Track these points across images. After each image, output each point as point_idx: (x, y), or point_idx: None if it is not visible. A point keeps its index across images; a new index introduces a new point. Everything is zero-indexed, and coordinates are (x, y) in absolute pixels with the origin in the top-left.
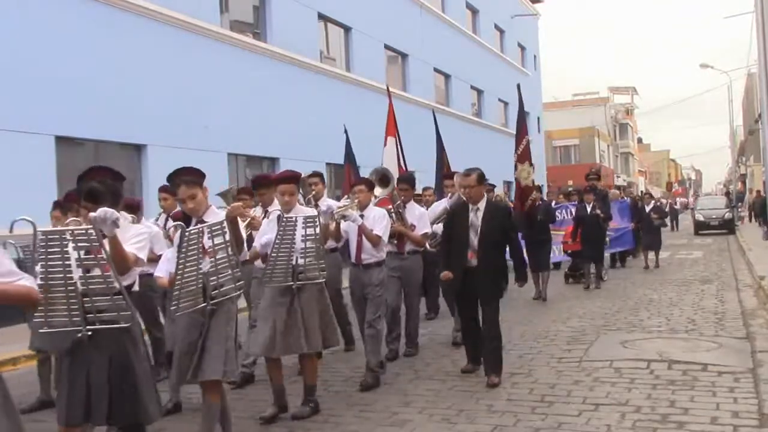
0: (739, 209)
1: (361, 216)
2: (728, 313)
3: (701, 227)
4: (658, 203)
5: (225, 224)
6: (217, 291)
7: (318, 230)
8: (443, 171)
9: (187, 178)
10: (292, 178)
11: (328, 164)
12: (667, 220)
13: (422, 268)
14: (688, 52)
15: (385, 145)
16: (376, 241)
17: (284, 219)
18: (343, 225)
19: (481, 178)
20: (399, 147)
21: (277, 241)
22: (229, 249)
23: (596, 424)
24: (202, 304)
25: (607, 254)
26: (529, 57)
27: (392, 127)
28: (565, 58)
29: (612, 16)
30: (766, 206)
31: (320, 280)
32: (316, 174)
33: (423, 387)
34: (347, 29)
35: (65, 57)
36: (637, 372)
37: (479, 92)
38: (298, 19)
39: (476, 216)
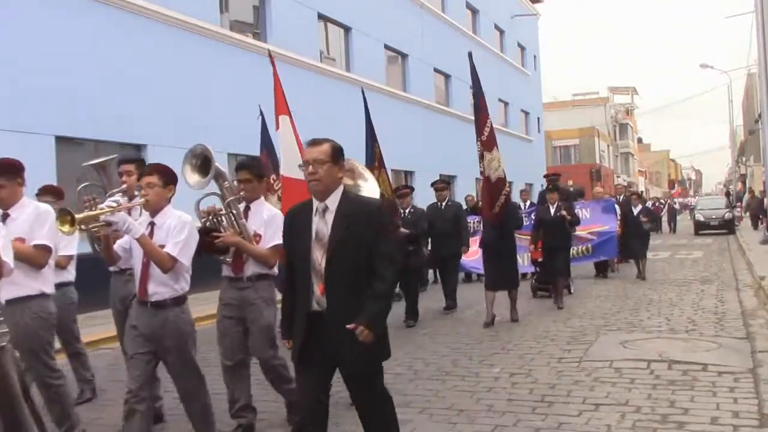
0: (737, 208)
1: (152, 224)
2: (728, 313)
3: (701, 227)
4: (658, 204)
5: None
6: None
7: None
8: (373, 165)
9: None
10: None
11: None
12: (664, 222)
13: (274, 299)
14: (688, 52)
15: (277, 128)
16: (165, 263)
17: None
18: (121, 240)
19: (338, 152)
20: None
21: None
22: None
23: (596, 424)
24: None
25: (590, 263)
26: (529, 57)
27: (282, 104)
28: (565, 58)
29: (612, 16)
30: (765, 207)
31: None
32: (132, 160)
33: (423, 387)
34: (347, 29)
35: (65, 57)
36: (637, 372)
37: None
38: (298, 19)
39: (324, 220)
